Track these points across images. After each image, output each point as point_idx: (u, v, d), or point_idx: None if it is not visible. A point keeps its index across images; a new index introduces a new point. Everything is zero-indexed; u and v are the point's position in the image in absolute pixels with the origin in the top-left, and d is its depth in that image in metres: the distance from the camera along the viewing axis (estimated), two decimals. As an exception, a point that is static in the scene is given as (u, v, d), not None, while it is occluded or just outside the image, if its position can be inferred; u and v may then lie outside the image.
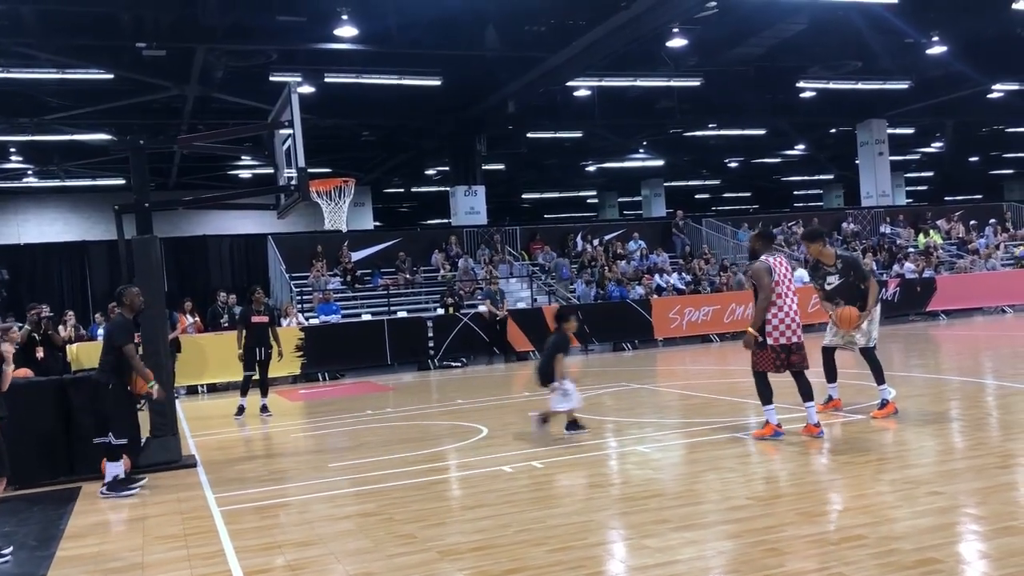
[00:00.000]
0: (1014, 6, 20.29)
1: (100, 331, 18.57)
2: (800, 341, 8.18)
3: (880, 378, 9.01)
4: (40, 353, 13.43)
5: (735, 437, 8.53)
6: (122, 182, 31.55)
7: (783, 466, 7.19)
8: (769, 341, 8.12)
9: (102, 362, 8.22)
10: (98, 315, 19.48)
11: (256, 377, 13.19)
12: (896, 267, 24.78)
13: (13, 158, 29.72)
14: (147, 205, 9.52)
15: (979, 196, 48.51)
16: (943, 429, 8.36)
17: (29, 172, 31.98)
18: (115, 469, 7.96)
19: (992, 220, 29.56)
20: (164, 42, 19.05)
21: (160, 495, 7.87)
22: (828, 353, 9.45)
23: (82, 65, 20.34)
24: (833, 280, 9.14)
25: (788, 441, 8.16)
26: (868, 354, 9.08)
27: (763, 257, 8.24)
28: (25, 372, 10.47)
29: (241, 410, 12.92)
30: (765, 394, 8.33)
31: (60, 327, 16.19)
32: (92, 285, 23.27)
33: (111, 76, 21.15)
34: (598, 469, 7.59)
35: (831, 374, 9.48)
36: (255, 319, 13.11)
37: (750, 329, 8.22)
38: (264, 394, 13.21)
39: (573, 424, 9.22)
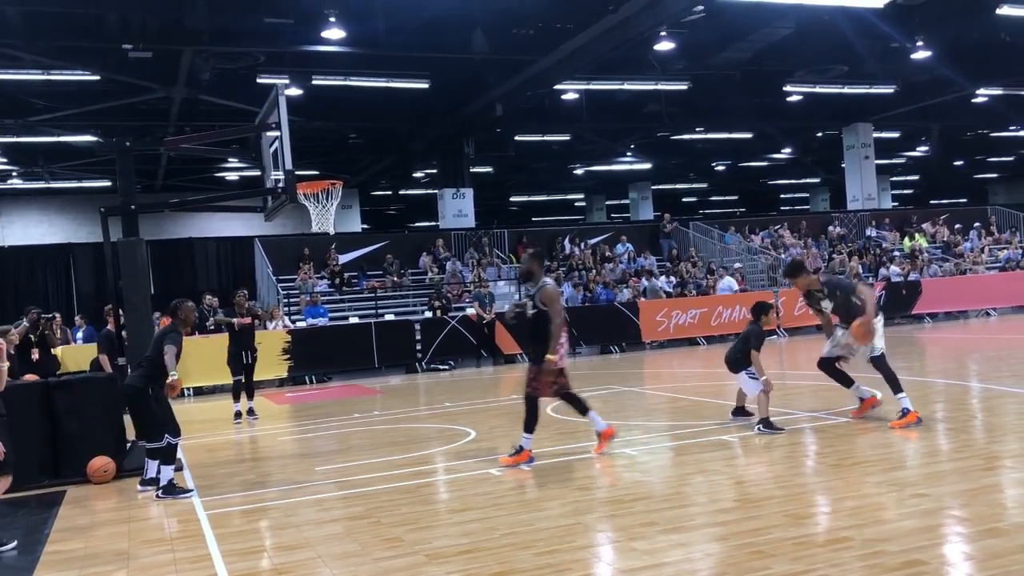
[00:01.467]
0: (998, 11, 20.44)
1: (80, 334, 18.51)
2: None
3: (895, 386, 8.70)
4: (35, 355, 13.37)
5: (721, 440, 8.55)
6: (108, 184, 31.37)
7: (770, 469, 7.21)
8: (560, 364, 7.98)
9: (145, 367, 7.98)
10: (78, 318, 19.35)
11: (243, 379, 13.12)
12: (882, 270, 24.92)
13: (-2, 160, 29.52)
14: (133, 207, 9.47)
15: (964, 200, 48.82)
16: (928, 431, 8.41)
17: (14, 174, 31.74)
18: (169, 472, 7.79)
19: (977, 224, 29.77)
20: (151, 44, 18.95)
21: (146, 498, 7.83)
22: (828, 363, 9.26)
23: (68, 66, 20.20)
24: (827, 304, 9.19)
25: (776, 444, 8.20)
26: (877, 363, 8.87)
27: (548, 279, 8.16)
28: (32, 379, 10.35)
29: (239, 415, 12.88)
30: (532, 422, 8.03)
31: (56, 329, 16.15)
32: (77, 288, 23.14)
33: (97, 77, 21.04)
34: (585, 472, 7.59)
35: (844, 380, 9.27)
36: (239, 322, 13.06)
37: (550, 356, 7.83)
38: (250, 397, 13.17)
39: (740, 410, 9.56)
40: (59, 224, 33.28)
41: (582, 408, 8.28)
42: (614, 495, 6.67)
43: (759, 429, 8.72)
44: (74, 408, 8.79)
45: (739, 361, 9.22)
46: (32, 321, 13.65)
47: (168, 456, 7.82)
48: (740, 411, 9.56)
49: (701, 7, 19.48)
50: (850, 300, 9.01)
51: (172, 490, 7.72)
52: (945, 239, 28.82)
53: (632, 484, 7.03)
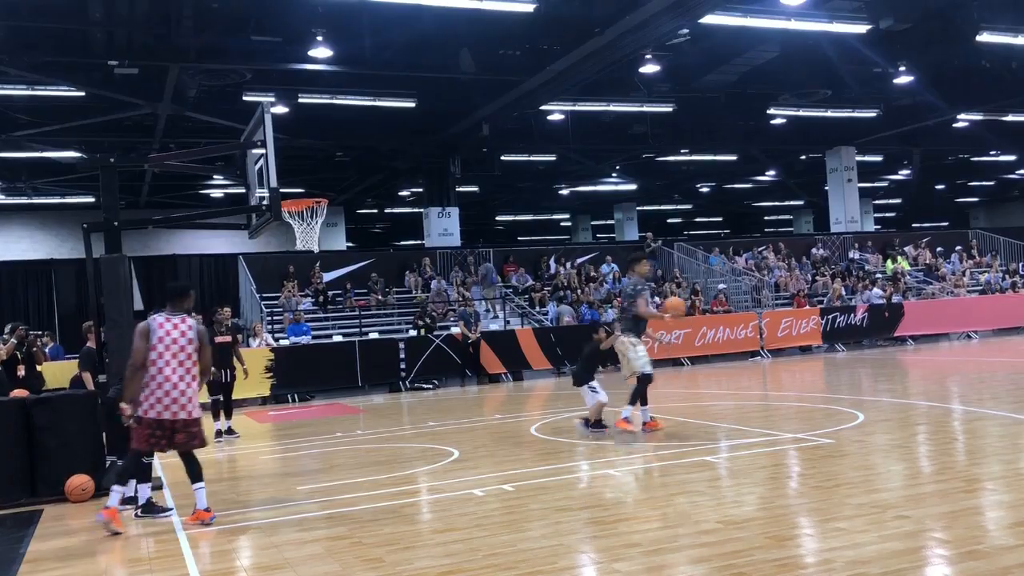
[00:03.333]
0: (978, 38, 20.74)
1: (48, 350, 18.30)
2: (190, 418, 7.12)
3: (633, 400, 10.37)
4: (21, 371, 13.23)
5: (704, 461, 8.55)
6: (92, 200, 31.20)
7: (752, 490, 7.21)
8: (140, 413, 7.07)
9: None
10: (46, 335, 18.98)
11: (221, 398, 12.94)
12: (865, 292, 25.08)
13: (-20, 175, 29.32)
14: (116, 224, 9.42)
15: (946, 223, 49.32)
16: (910, 453, 8.43)
17: (-4, 189, 31.55)
18: (146, 490, 7.66)
19: (958, 247, 30.05)
20: (137, 60, 18.93)
21: (124, 517, 7.73)
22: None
23: (53, 82, 20.16)
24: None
25: (758, 464, 8.20)
26: (641, 378, 10.38)
27: (153, 315, 7.31)
28: (22, 394, 10.20)
29: (219, 434, 12.71)
30: (136, 472, 7.46)
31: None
32: (58, 304, 22.96)
33: (82, 93, 20.98)
34: (568, 492, 7.57)
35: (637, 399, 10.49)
36: (217, 339, 12.79)
37: (123, 404, 7.22)
38: (228, 416, 12.92)
39: (597, 424, 10.45)
40: (41, 240, 33.07)
41: (191, 472, 7.37)
42: (597, 516, 6.65)
43: (589, 430, 10.37)
44: (52, 425, 8.69)
45: (582, 376, 10.67)
46: (20, 338, 13.53)
47: (141, 473, 7.70)
48: (597, 424, 10.44)
49: (686, 30, 19.70)
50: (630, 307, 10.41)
51: (151, 509, 7.63)
52: (927, 262, 29.06)
53: (615, 505, 7.01)
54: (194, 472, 7.23)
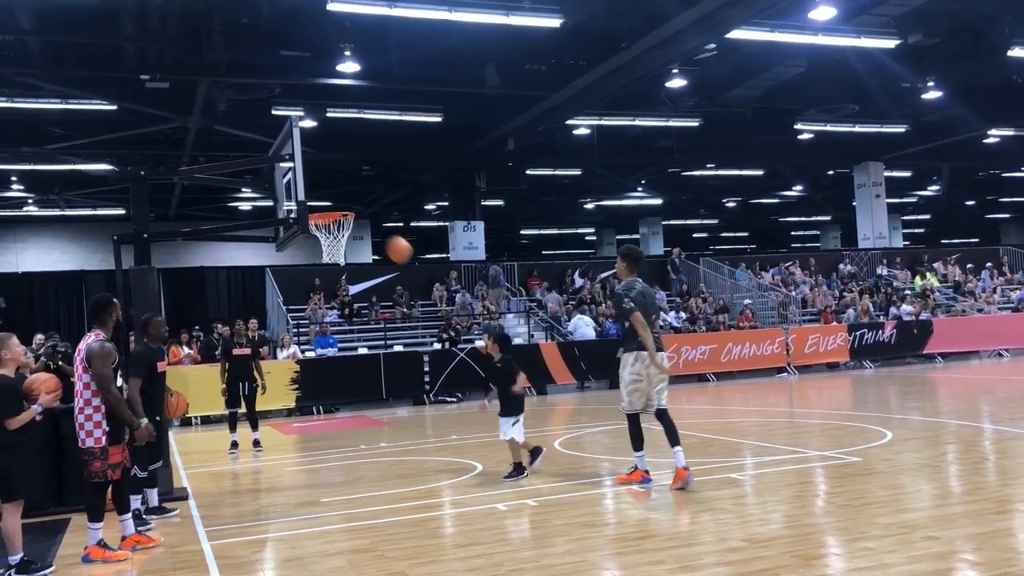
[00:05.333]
0: (1009, 53, 20.54)
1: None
2: (82, 446, 6.72)
3: (634, 444, 8.34)
4: None
5: (730, 478, 8.47)
6: (122, 212, 31.62)
7: (779, 508, 7.13)
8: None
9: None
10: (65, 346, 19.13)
11: (243, 411, 12.93)
12: (893, 309, 24.82)
13: (14, 187, 29.80)
14: (146, 236, 9.53)
15: (976, 240, 48.71)
16: (939, 473, 8.31)
17: (29, 201, 32.06)
18: (136, 502, 7.67)
19: (988, 264, 29.68)
20: (168, 75, 19.19)
21: (154, 527, 7.79)
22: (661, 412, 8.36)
23: (86, 96, 20.48)
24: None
25: (785, 482, 8.11)
26: (628, 417, 8.37)
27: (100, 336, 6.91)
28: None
29: (235, 445, 12.71)
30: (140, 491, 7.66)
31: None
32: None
33: (114, 107, 21.29)
34: (593, 508, 7.53)
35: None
36: (237, 351, 12.80)
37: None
38: (254, 428, 12.91)
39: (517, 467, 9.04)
40: (72, 251, 33.54)
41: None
42: (621, 532, 6.61)
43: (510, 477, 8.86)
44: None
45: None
46: (48, 354, 13.70)
47: (135, 487, 7.68)
48: (517, 468, 9.02)
49: (713, 45, 19.65)
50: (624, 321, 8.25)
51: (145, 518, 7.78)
52: (957, 279, 28.72)
53: (639, 521, 6.96)
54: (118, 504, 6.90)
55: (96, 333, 6.95)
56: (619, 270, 8.68)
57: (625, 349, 8.20)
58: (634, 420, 8.28)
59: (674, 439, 8.11)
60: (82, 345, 6.88)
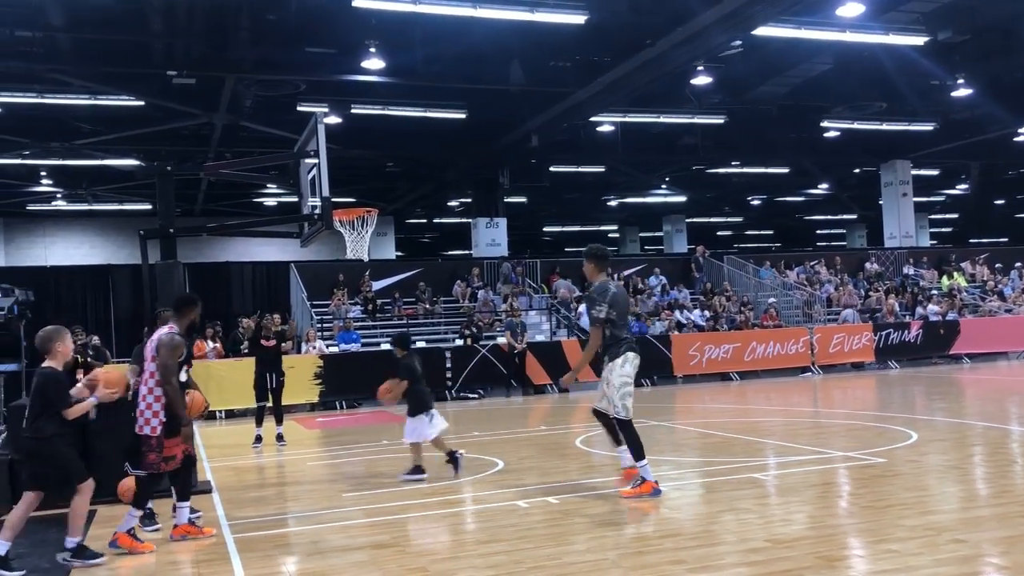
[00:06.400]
0: (1041, 50, 20.28)
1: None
2: (139, 433, 7.01)
3: (637, 453, 7.71)
4: (80, 376, 13.54)
5: (752, 478, 8.42)
6: (148, 207, 31.94)
7: (802, 508, 7.08)
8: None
9: None
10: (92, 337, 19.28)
11: (270, 405, 13.08)
12: (919, 309, 24.56)
13: (43, 181, 30.20)
14: (172, 231, 9.62)
15: (1005, 239, 48.07)
16: (966, 475, 8.22)
17: (58, 195, 32.47)
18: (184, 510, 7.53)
19: (1018, 264, 29.27)
20: (194, 71, 19.35)
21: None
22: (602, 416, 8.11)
23: (114, 92, 20.70)
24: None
25: (808, 483, 8.05)
26: (621, 425, 7.77)
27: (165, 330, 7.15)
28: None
29: (259, 439, 12.81)
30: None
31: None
32: (115, 309, 23.48)
33: (142, 103, 21.51)
34: (614, 507, 7.51)
35: (613, 434, 8.09)
36: (264, 343, 13.07)
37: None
38: (279, 422, 13.04)
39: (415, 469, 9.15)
40: (100, 245, 33.93)
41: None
42: (643, 532, 6.59)
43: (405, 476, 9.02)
44: (106, 428, 8.86)
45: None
46: (79, 347, 13.91)
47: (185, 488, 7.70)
48: (415, 470, 9.18)
49: (739, 42, 19.53)
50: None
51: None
52: (985, 278, 28.36)
53: (661, 521, 6.93)
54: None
55: (170, 326, 7.17)
56: (587, 270, 8.36)
57: (610, 357, 7.80)
58: (632, 427, 7.71)
59: (619, 439, 7.99)
60: (155, 335, 7.10)
